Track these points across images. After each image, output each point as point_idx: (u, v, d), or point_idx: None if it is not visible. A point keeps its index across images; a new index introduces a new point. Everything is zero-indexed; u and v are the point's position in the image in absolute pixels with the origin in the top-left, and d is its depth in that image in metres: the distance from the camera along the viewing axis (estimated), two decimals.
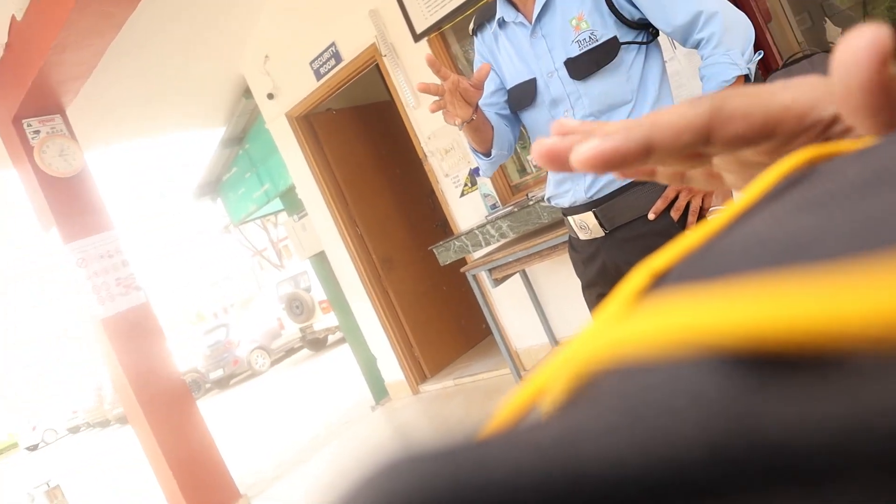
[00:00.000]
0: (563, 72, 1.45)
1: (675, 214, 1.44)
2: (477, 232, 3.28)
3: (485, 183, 3.69)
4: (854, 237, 0.14)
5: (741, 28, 1.38)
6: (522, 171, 3.80)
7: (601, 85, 1.43)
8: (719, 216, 0.21)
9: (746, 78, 1.39)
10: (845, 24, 3.63)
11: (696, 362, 0.12)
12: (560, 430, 0.11)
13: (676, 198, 1.44)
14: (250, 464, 5.02)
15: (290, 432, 5.70)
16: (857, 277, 0.12)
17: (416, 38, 3.66)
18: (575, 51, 1.43)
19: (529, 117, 1.57)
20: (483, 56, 1.64)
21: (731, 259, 0.16)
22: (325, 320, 10.68)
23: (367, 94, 5.18)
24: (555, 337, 3.73)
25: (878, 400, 0.10)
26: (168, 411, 3.64)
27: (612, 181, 1.46)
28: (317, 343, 11.70)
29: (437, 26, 3.57)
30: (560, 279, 3.57)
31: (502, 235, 3.18)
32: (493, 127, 1.54)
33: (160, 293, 27.18)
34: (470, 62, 3.72)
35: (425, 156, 3.98)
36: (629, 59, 1.43)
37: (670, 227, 1.45)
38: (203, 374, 12.88)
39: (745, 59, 1.37)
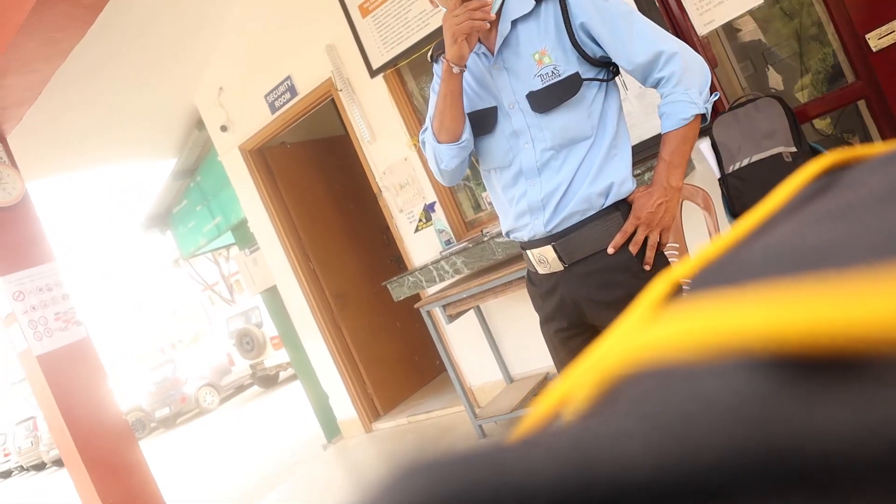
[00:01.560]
0: (525, 104, 1.46)
1: (633, 249, 1.45)
2: (431, 268, 3.26)
3: (439, 218, 3.69)
4: (875, 247, 0.14)
5: (699, 69, 1.43)
6: (477, 207, 3.82)
7: (562, 119, 1.44)
8: (740, 226, 0.21)
9: (703, 117, 1.43)
10: (785, 71, 3.79)
11: (712, 367, 0.12)
12: (575, 434, 0.12)
13: (635, 232, 1.45)
14: None
15: (238, 473, 5.50)
16: (875, 285, 0.12)
17: (373, 73, 3.68)
18: (537, 84, 1.45)
19: (486, 145, 1.56)
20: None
21: (754, 268, 0.16)
22: (276, 357, 10.45)
23: (322, 128, 5.17)
24: (509, 374, 3.71)
25: (892, 406, 0.10)
26: (107, 453, 3.47)
27: (571, 215, 1.46)
28: (268, 380, 11.42)
29: (393, 63, 3.60)
30: (514, 316, 3.57)
31: (457, 271, 3.17)
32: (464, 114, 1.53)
33: (105, 328, 26.24)
34: (426, 99, 3.75)
35: (380, 191, 3.97)
36: (590, 95, 1.45)
37: (629, 262, 1.45)
38: (148, 413, 12.40)
39: (702, 98, 1.41)
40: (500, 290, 2.97)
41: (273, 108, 4.30)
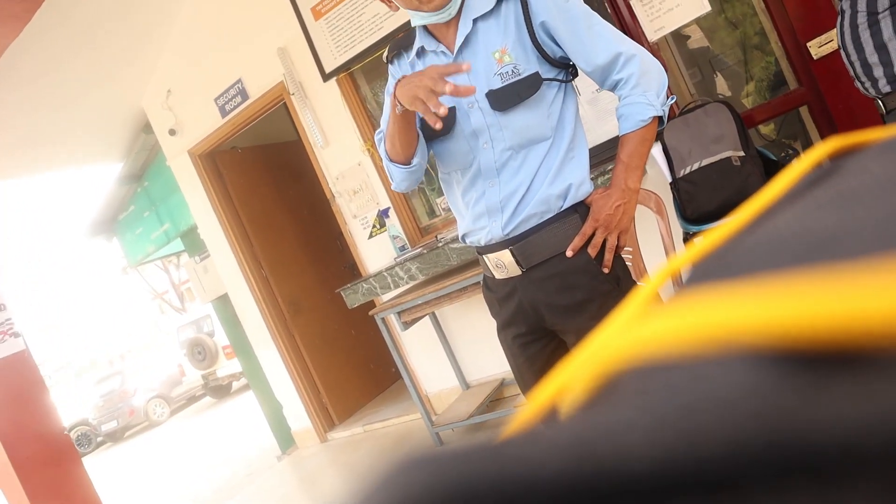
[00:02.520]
0: (485, 103, 1.44)
1: (592, 251, 1.43)
2: (385, 274, 3.22)
3: (394, 224, 3.66)
4: (878, 236, 0.14)
5: (656, 72, 1.43)
6: (431, 213, 3.79)
7: (522, 118, 1.42)
8: (742, 213, 0.21)
9: (661, 120, 1.43)
10: (732, 78, 3.89)
11: (714, 361, 0.12)
12: (576, 426, 0.12)
13: (594, 234, 1.43)
14: None
15: (190, 487, 5.35)
16: (878, 277, 0.12)
17: (325, 77, 3.63)
18: (497, 83, 1.42)
19: (445, 148, 1.52)
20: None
21: (755, 257, 0.16)
22: (228, 366, 10.22)
23: (274, 132, 5.08)
24: (465, 380, 3.69)
25: (894, 398, 0.10)
26: (47, 472, 3.32)
27: (529, 217, 1.44)
28: (220, 390, 11.17)
29: (346, 66, 3.56)
30: (470, 321, 3.55)
31: (411, 278, 3.14)
32: (417, 135, 1.49)
33: (49, 339, 25.30)
34: (380, 104, 3.72)
35: (333, 196, 3.91)
36: (550, 95, 1.44)
37: (588, 265, 1.44)
38: (94, 427, 11.99)
39: (660, 100, 1.41)
40: (456, 295, 2.96)
41: (224, 112, 4.20)
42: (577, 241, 1.43)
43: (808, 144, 3.40)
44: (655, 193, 2.25)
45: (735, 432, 0.10)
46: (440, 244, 2.98)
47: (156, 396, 11.98)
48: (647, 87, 1.41)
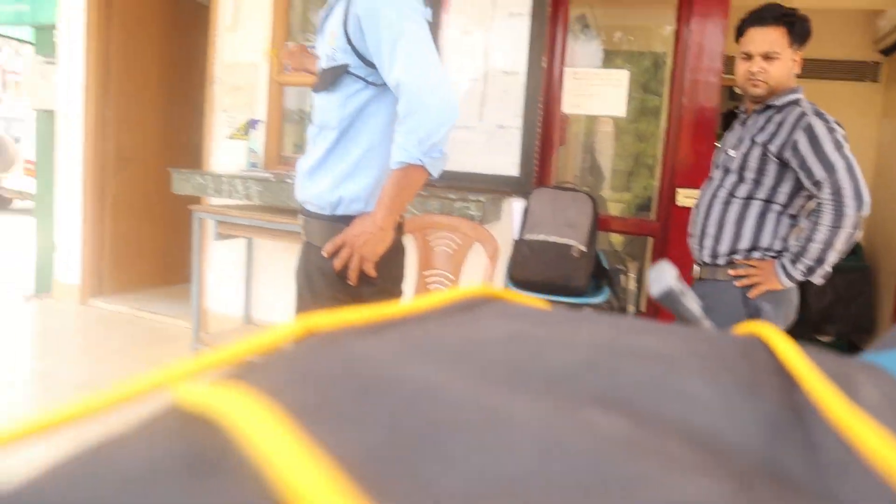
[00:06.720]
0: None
1: (337, 264, 1.51)
2: (225, 179, 3.08)
3: (258, 138, 3.51)
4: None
5: (427, 115, 1.31)
6: (299, 148, 3.69)
7: (321, 100, 1.48)
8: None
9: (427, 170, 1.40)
10: (617, 178, 4.16)
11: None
12: None
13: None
14: None
15: None
16: None
17: None
18: (323, 63, 1.48)
19: None
20: None
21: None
22: (21, 182, 9.20)
23: None
24: (250, 314, 3.61)
25: None
26: None
27: (306, 202, 1.57)
28: None
29: None
30: (280, 264, 3.49)
31: (247, 197, 3.02)
32: None
33: None
34: (310, 22, 3.56)
35: (213, 80, 3.68)
36: (352, 89, 1.43)
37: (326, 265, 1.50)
38: None
39: (420, 148, 1.33)
40: (279, 235, 2.90)
41: None
42: (329, 247, 1.46)
43: (641, 270, 3.73)
44: (496, 241, 2.35)
45: None
46: (288, 180, 2.91)
47: None
48: (411, 129, 1.30)
